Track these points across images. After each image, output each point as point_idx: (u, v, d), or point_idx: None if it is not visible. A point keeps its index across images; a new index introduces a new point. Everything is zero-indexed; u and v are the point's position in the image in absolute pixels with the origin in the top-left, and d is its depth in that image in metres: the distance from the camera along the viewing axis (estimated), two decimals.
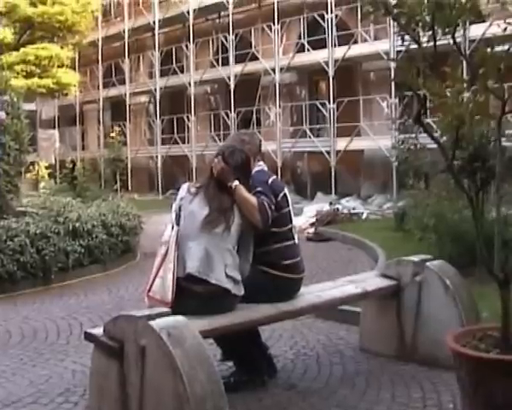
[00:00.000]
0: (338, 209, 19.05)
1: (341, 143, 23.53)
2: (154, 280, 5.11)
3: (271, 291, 5.35)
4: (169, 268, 5.03)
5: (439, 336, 5.42)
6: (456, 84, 4.45)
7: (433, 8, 4.24)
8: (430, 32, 4.37)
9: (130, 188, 31.66)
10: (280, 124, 26.30)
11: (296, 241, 5.70)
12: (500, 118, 4.54)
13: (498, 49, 4.57)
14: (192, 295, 5.01)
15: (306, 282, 5.93)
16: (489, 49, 4.46)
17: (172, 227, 5.22)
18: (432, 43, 4.38)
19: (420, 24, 4.34)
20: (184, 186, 5.48)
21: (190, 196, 5.33)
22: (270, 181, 5.56)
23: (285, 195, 5.62)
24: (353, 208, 20.30)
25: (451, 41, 4.52)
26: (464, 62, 4.87)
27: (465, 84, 4.54)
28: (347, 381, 5.85)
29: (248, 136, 5.89)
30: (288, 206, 5.64)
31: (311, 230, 16.09)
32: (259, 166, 5.74)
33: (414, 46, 4.54)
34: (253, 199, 5.27)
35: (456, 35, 4.49)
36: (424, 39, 4.28)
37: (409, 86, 4.43)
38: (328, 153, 23.84)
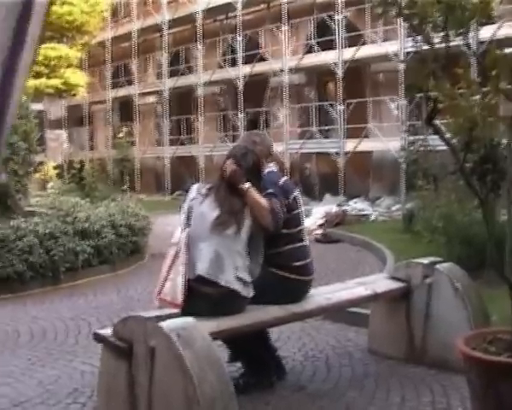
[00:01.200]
0: (346, 211, 19.02)
1: (350, 145, 23.49)
2: (164, 282, 5.10)
3: (281, 293, 5.34)
4: (179, 270, 5.02)
5: (449, 339, 5.40)
6: (467, 85, 4.43)
7: (446, 10, 4.23)
8: (442, 34, 4.35)
9: (137, 188, 31.67)
10: (288, 125, 26.28)
11: (307, 242, 5.69)
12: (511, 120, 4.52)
13: (509, 50, 4.56)
14: (202, 296, 5.00)
15: (315, 283, 5.93)
16: (500, 51, 4.45)
17: (182, 229, 5.21)
18: (442, 45, 4.37)
19: (431, 25, 4.32)
20: (194, 187, 5.47)
21: (201, 197, 5.31)
22: (281, 182, 5.55)
23: (296, 196, 5.62)
24: (362, 210, 20.25)
25: (462, 42, 4.51)
26: (474, 64, 4.85)
27: (476, 86, 4.52)
28: (356, 383, 5.83)
29: (259, 137, 5.88)
30: (299, 207, 5.63)
31: (320, 231, 16.06)
32: (270, 167, 5.73)
33: (424, 48, 4.52)
34: (264, 201, 5.26)
35: (468, 36, 4.47)
36: (436, 40, 4.26)
37: (420, 88, 4.41)
38: (337, 154, 23.81)
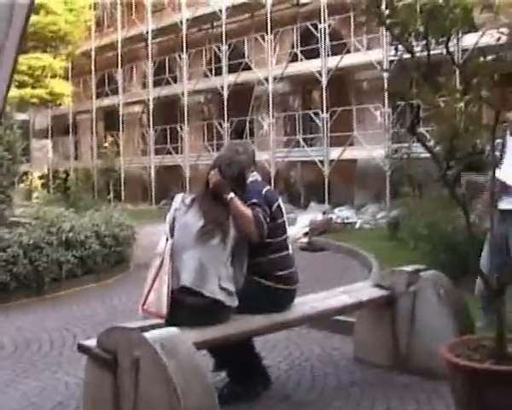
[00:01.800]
0: (331, 219, 19.05)
1: (335, 153, 23.52)
2: (148, 293, 5.09)
3: (265, 302, 5.33)
4: (164, 280, 5.01)
5: (433, 346, 5.41)
6: (449, 93, 4.45)
7: (427, 18, 4.25)
8: (423, 42, 4.37)
9: (123, 198, 31.60)
10: (273, 133, 26.29)
11: (290, 251, 5.69)
12: (494, 128, 4.54)
13: (490, 58, 4.58)
14: (186, 307, 4.99)
15: (300, 292, 5.91)
16: (482, 59, 4.47)
17: (167, 239, 5.20)
18: (425, 53, 4.39)
19: (413, 34, 4.34)
20: (178, 197, 5.46)
21: (185, 207, 5.31)
22: (264, 191, 5.55)
23: (279, 205, 5.61)
24: (347, 218, 20.29)
25: (444, 51, 4.53)
26: (457, 72, 4.88)
27: (458, 94, 4.54)
28: (342, 392, 5.83)
29: (242, 146, 5.87)
30: (283, 216, 5.63)
31: (305, 239, 16.08)
32: (254, 176, 5.72)
33: (407, 56, 4.54)
34: (248, 212, 5.26)
35: (449, 45, 4.49)
36: (417, 49, 4.28)
37: (402, 96, 4.43)
38: (322, 162, 23.83)
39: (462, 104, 4.44)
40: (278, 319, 5.45)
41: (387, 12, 4.39)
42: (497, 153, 5.72)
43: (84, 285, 11.29)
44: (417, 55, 4.42)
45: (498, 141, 5.65)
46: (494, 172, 4.96)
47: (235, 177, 5.37)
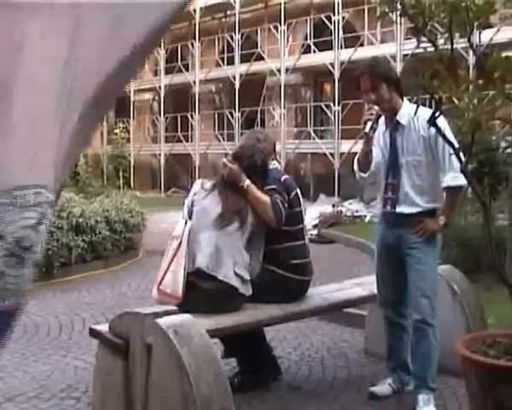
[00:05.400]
0: (341, 211, 19.01)
1: (345, 146, 23.48)
2: (164, 274, 5.07)
3: (278, 292, 5.30)
4: (180, 263, 5.00)
5: (446, 342, 5.36)
6: (467, 87, 4.40)
7: (450, 11, 4.19)
8: (446, 35, 4.32)
9: (132, 185, 31.61)
10: (284, 125, 26.27)
11: (306, 241, 5.67)
12: None
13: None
14: (199, 291, 4.98)
15: (311, 284, 5.89)
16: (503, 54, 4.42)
17: (185, 222, 5.19)
18: (446, 46, 4.34)
19: (436, 26, 4.29)
20: (198, 182, 5.49)
21: (204, 191, 5.30)
22: (282, 179, 5.54)
23: (297, 194, 5.60)
24: (356, 211, 20.22)
25: (462, 45, 4.48)
26: (471, 67, 4.83)
27: (479, 88, 4.49)
28: (352, 384, 5.81)
29: (263, 135, 5.88)
30: (300, 205, 5.61)
31: (314, 231, 16.04)
32: (273, 164, 5.72)
33: (427, 49, 4.49)
34: (265, 198, 5.25)
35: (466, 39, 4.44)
36: (441, 41, 4.23)
37: (424, 89, 4.38)
38: (332, 155, 23.80)
39: (481, 99, 4.40)
40: (291, 310, 5.41)
41: (410, 2, 4.34)
42: None
43: (94, 271, 11.27)
44: (440, 47, 4.37)
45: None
46: None
47: (258, 165, 5.36)
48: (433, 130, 4.53)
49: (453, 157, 4.64)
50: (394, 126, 5.18)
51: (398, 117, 5.10)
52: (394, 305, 5.46)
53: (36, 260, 1.85)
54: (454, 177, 4.84)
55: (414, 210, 5.11)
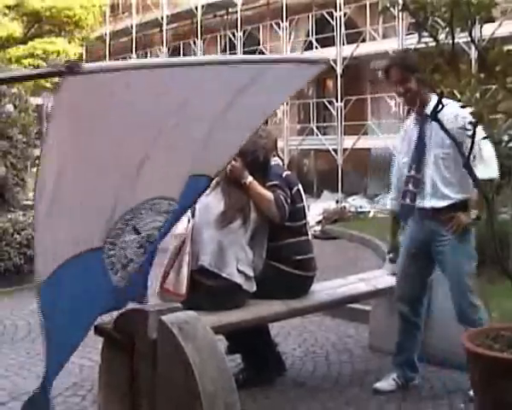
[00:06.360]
0: (345, 207, 19.01)
1: (348, 142, 23.48)
2: (168, 272, 5.08)
3: (282, 288, 5.31)
4: (184, 261, 5.01)
5: (450, 335, 5.38)
6: (469, 81, 4.40)
7: (451, 5, 4.19)
8: (447, 29, 4.32)
9: None
10: (287, 121, 26.26)
11: (310, 237, 5.68)
12: None
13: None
14: (203, 288, 4.99)
15: (314, 280, 5.89)
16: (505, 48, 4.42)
17: (188, 220, 5.19)
18: (447, 41, 4.34)
19: (437, 20, 4.29)
20: None
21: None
22: (284, 175, 5.55)
23: (299, 189, 5.60)
24: (360, 207, 20.25)
25: (464, 39, 4.47)
26: (473, 61, 4.83)
27: (481, 82, 4.49)
28: (357, 380, 5.81)
29: (265, 131, 5.88)
30: (302, 201, 5.61)
31: (318, 228, 16.05)
32: (275, 161, 5.72)
33: (422, 45, 4.49)
34: (268, 194, 5.26)
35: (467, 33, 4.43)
36: (442, 36, 4.23)
37: (425, 83, 4.38)
38: (335, 151, 23.79)
39: (482, 92, 4.40)
40: (295, 306, 5.42)
41: None
42: None
43: None
44: (441, 42, 4.37)
45: None
46: None
47: (261, 161, 5.36)
48: (460, 122, 4.51)
49: (484, 149, 4.62)
50: (423, 120, 5.16)
51: (427, 110, 5.07)
52: (412, 302, 5.46)
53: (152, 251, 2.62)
54: (485, 169, 4.83)
55: (445, 203, 5.09)
